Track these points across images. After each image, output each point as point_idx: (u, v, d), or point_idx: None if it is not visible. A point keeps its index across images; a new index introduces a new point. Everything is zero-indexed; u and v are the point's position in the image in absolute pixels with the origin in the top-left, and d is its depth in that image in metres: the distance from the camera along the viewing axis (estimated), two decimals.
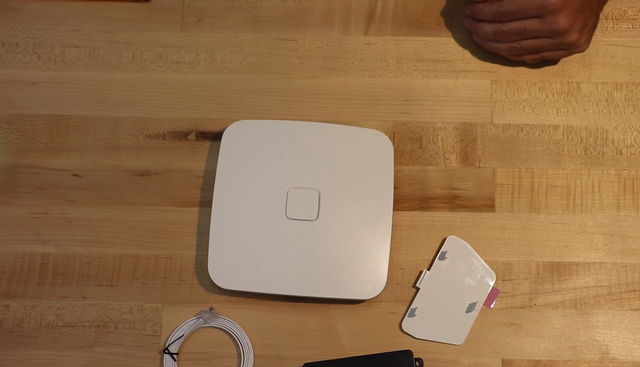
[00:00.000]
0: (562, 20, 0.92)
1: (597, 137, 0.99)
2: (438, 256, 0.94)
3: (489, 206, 0.96)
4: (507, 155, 0.98)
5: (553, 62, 1.00)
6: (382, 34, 1.02)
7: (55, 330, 0.93)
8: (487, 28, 0.96)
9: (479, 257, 0.94)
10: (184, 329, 0.92)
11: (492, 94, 1.00)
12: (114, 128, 0.99)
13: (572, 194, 0.97)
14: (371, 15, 1.03)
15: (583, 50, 0.96)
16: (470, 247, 0.95)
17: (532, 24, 0.93)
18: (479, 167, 0.98)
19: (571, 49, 0.96)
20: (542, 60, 0.99)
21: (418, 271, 0.94)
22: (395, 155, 0.97)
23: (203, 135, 0.98)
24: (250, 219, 0.92)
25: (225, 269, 0.91)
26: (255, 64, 1.01)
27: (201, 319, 0.92)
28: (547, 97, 1.00)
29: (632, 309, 0.93)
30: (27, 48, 1.01)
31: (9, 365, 0.91)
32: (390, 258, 0.92)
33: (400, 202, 0.96)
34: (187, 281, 0.94)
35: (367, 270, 0.91)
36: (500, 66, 1.01)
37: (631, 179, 0.97)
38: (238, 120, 0.96)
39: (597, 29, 1.00)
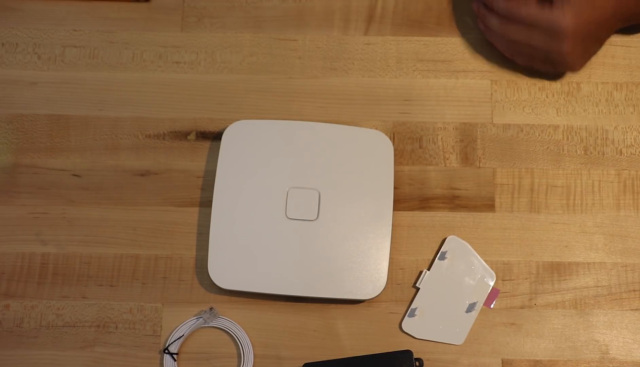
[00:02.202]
0: (565, 47, 0.92)
1: (597, 137, 0.99)
2: (438, 256, 0.94)
3: (489, 206, 0.96)
4: (507, 155, 0.98)
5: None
6: (382, 34, 1.02)
7: (55, 330, 0.93)
8: (494, 21, 0.96)
9: (479, 257, 0.94)
10: (184, 329, 0.92)
11: (492, 94, 1.00)
12: (114, 128, 0.99)
13: (572, 194, 0.97)
14: (371, 15, 1.03)
15: (575, 71, 0.98)
16: (470, 247, 0.95)
17: (536, 36, 0.93)
18: (479, 167, 0.98)
19: (564, 68, 0.97)
20: (533, 67, 0.99)
21: (418, 271, 0.94)
22: (395, 155, 0.97)
23: (203, 135, 0.98)
24: (250, 219, 0.92)
25: (225, 269, 0.91)
26: (255, 64, 1.01)
27: (201, 319, 0.92)
28: (547, 97, 1.00)
29: (632, 309, 0.93)
30: (27, 48, 1.01)
31: (9, 365, 0.91)
32: (390, 258, 0.92)
33: (400, 202, 0.96)
34: (187, 281, 0.94)
35: (367, 270, 0.91)
36: (500, 66, 1.01)
37: (631, 179, 0.97)
38: (238, 120, 0.96)
39: None
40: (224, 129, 0.96)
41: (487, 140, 0.98)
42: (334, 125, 0.96)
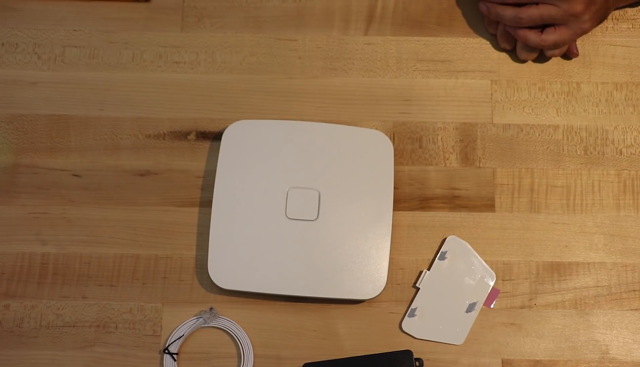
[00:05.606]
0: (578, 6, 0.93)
1: (597, 137, 0.99)
2: (438, 256, 0.94)
3: (489, 206, 0.96)
4: (507, 155, 0.98)
5: (553, 60, 1.01)
6: (382, 34, 1.02)
7: (55, 330, 0.92)
8: (508, 11, 0.96)
9: (479, 257, 0.94)
10: (184, 329, 0.92)
11: (492, 94, 1.00)
12: (114, 128, 0.99)
13: (572, 194, 0.97)
14: (371, 15, 1.03)
15: (586, 28, 0.96)
16: (470, 247, 0.95)
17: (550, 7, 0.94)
18: (479, 167, 0.98)
19: (574, 22, 0.95)
20: (541, 54, 0.99)
21: (418, 271, 0.94)
22: (395, 155, 0.97)
23: (203, 135, 0.98)
24: (250, 219, 0.92)
25: (225, 269, 0.91)
26: (255, 64, 1.01)
27: (201, 319, 0.92)
28: (547, 97, 1.00)
29: (632, 309, 0.93)
30: (27, 48, 1.01)
31: (9, 365, 0.91)
32: (390, 258, 0.92)
33: (400, 202, 0.96)
34: (187, 281, 0.94)
35: (367, 270, 0.91)
36: (500, 66, 1.01)
37: (631, 179, 0.97)
38: (238, 120, 0.96)
39: (597, 29, 1.00)
40: (224, 129, 0.96)
41: (487, 140, 0.98)
42: (334, 125, 0.96)
